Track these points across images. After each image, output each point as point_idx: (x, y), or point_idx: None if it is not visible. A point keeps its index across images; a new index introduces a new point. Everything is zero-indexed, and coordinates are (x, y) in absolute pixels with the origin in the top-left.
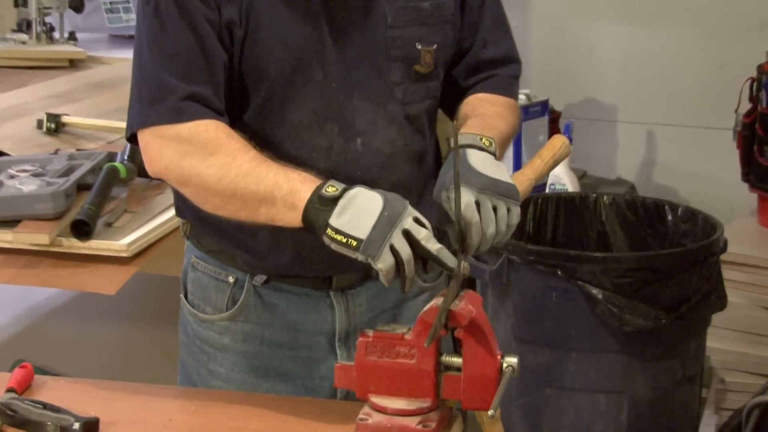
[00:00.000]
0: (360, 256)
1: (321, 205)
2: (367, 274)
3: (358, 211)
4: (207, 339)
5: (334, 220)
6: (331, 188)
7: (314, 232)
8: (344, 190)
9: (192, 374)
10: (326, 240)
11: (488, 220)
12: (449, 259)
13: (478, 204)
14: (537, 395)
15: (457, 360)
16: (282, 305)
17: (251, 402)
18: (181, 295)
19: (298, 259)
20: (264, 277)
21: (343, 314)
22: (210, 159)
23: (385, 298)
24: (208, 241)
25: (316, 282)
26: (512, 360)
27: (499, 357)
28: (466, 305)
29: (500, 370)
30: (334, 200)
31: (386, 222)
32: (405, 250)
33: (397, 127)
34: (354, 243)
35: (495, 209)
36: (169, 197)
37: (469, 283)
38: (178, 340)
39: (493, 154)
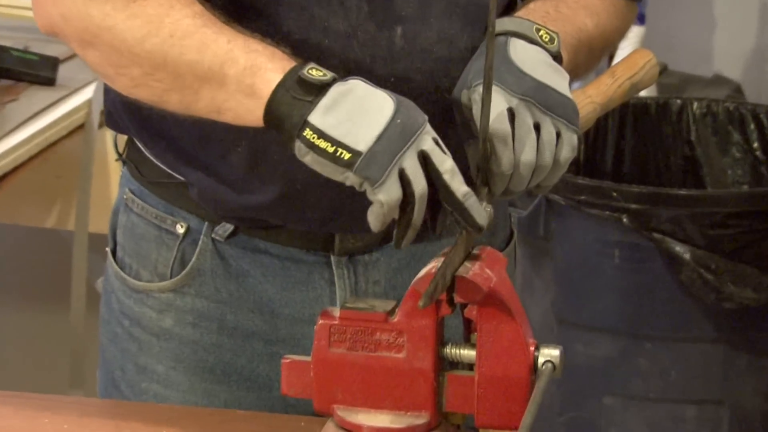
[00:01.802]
0: (352, 179)
1: (299, 93)
2: (390, 233)
3: (358, 110)
4: (139, 319)
5: (317, 117)
6: (316, 71)
7: (282, 133)
8: (335, 79)
9: (114, 371)
10: (300, 147)
11: (525, 141)
12: (478, 213)
13: (513, 115)
14: (592, 407)
15: (468, 353)
16: (255, 274)
17: (201, 422)
18: (108, 249)
19: (286, 199)
20: (230, 227)
21: (347, 294)
22: (133, 6)
23: (415, 272)
24: (152, 166)
25: (311, 239)
26: (552, 353)
27: (532, 349)
28: (482, 269)
29: (534, 369)
30: (321, 87)
31: (398, 134)
32: (419, 181)
33: (460, 18)
34: (347, 156)
35: (537, 128)
36: (26, 106)
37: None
38: (70, 328)
39: (554, 56)
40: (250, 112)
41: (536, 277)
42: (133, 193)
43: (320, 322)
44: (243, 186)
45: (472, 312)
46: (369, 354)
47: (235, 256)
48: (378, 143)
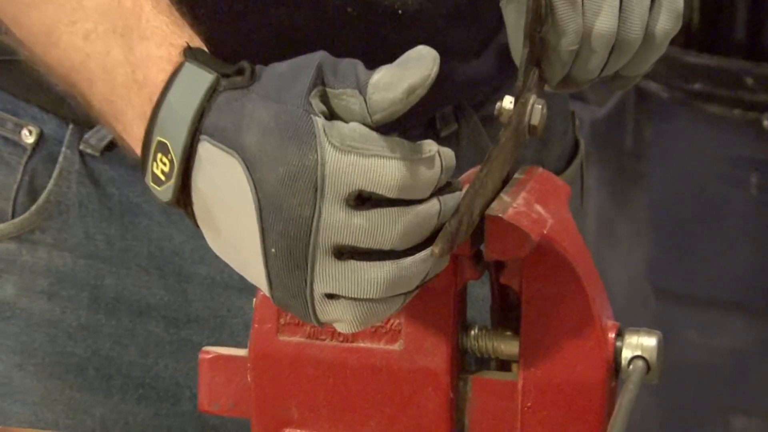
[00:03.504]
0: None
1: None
2: None
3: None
4: None
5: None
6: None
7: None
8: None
9: None
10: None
11: (602, 1)
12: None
13: None
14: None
15: (505, 344)
16: (152, 211)
17: None
18: None
19: None
20: (107, 137)
21: None
22: None
23: None
24: None
25: None
26: (645, 343)
27: (611, 336)
28: (529, 205)
29: (615, 369)
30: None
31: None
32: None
33: None
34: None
35: None
36: None
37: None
38: None
39: None
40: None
41: (620, 220)
42: None
43: (259, 292)
44: None
45: (512, 276)
46: (343, 345)
47: (117, 180)
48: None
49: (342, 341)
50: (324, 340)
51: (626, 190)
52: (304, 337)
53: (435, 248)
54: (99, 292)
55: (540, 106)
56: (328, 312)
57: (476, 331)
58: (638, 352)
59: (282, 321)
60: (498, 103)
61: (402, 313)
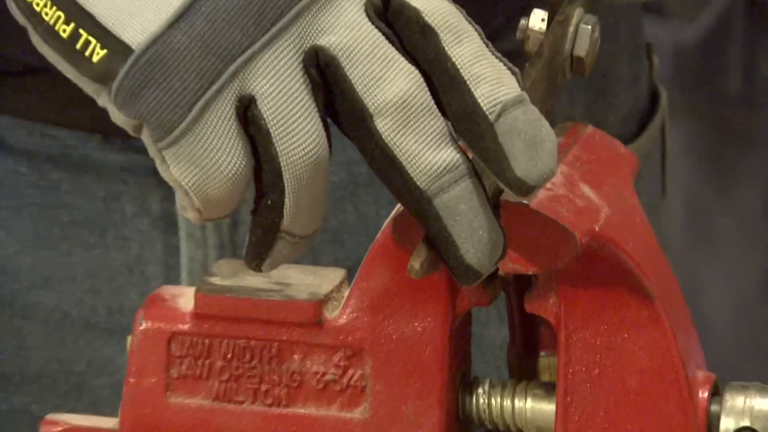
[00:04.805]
0: (104, 101)
1: None
2: None
3: None
4: None
5: None
6: None
7: None
8: None
9: None
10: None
11: None
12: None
13: None
14: None
15: (536, 409)
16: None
17: None
18: None
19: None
20: None
21: (214, 251)
22: None
23: None
24: None
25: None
26: (759, 404)
27: (703, 394)
28: (572, 183)
29: None
30: None
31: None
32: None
33: None
34: (99, 53)
35: None
36: None
37: None
38: None
39: None
40: None
41: (722, 211)
42: None
43: (144, 325)
44: None
45: (543, 300)
46: (272, 411)
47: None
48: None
49: (270, 405)
50: (242, 403)
51: (732, 165)
52: (209, 399)
53: (414, 264)
54: None
55: (589, 27)
56: (208, 129)
57: (486, 388)
58: (746, 422)
59: (174, 373)
60: (522, 21)
61: (367, 360)
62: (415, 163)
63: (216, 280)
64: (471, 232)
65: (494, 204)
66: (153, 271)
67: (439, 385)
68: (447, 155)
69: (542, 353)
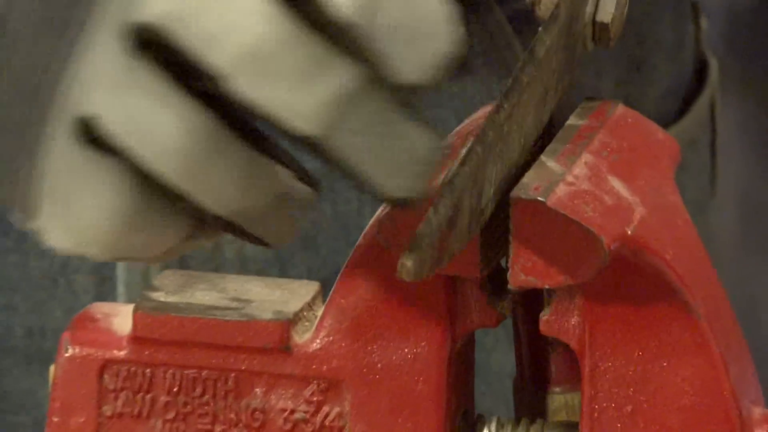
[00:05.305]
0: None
1: None
2: None
3: None
4: None
5: None
6: None
7: None
8: None
9: None
10: None
11: None
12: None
13: None
14: None
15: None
16: None
17: None
18: None
19: None
20: None
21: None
22: None
23: None
24: None
25: None
26: None
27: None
28: (598, 176)
29: None
30: None
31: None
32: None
33: None
34: None
35: None
36: None
37: None
38: None
39: None
40: None
41: None
42: None
43: (70, 351)
44: None
45: (562, 320)
46: None
47: None
48: None
49: None
50: None
51: None
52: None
53: (406, 261)
54: None
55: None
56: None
57: (493, 428)
58: None
59: (107, 410)
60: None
61: (346, 394)
62: (291, 112)
63: (159, 296)
64: (382, 155)
65: (499, 196)
66: (82, 284)
67: (435, 425)
68: (325, 86)
69: (556, 389)
